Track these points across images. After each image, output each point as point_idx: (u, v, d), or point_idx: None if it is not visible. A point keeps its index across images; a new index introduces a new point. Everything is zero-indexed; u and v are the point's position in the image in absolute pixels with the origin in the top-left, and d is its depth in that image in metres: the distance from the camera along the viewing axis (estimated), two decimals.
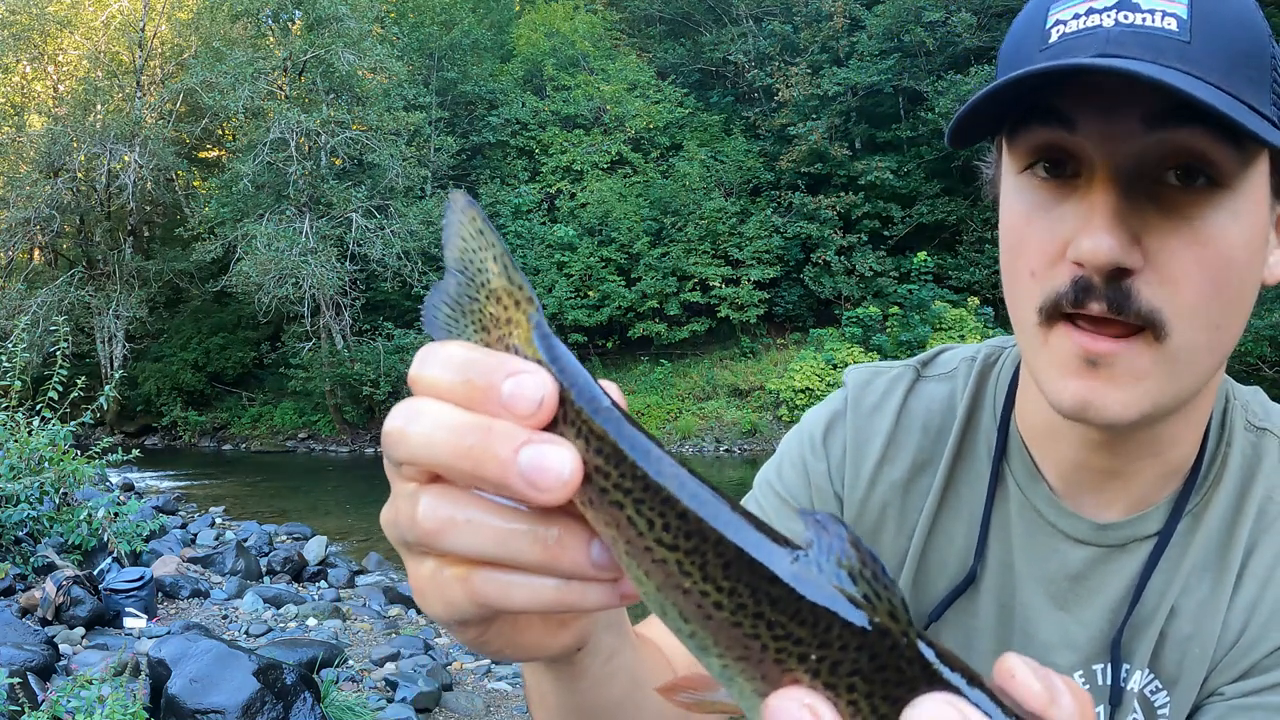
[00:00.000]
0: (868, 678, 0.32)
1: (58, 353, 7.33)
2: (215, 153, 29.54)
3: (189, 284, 26.49)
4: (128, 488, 12.69)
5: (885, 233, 24.77)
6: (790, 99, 25.41)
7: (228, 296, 24.76)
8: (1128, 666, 0.80)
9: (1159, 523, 0.80)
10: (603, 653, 0.57)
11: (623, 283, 24.28)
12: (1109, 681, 0.81)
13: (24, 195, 24.31)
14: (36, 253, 27.70)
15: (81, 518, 6.96)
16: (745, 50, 28.03)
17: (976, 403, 0.89)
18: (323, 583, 8.81)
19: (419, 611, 7.49)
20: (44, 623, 5.90)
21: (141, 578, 6.46)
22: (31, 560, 6.58)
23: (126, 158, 24.28)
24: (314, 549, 9.53)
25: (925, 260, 22.93)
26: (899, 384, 0.92)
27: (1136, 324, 0.66)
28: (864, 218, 24.71)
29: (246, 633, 6.52)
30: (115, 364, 23.00)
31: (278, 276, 22.00)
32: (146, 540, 7.65)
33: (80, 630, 5.90)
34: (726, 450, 21.41)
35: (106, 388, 7.75)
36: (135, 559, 7.26)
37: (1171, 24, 0.63)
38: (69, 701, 3.74)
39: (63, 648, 5.44)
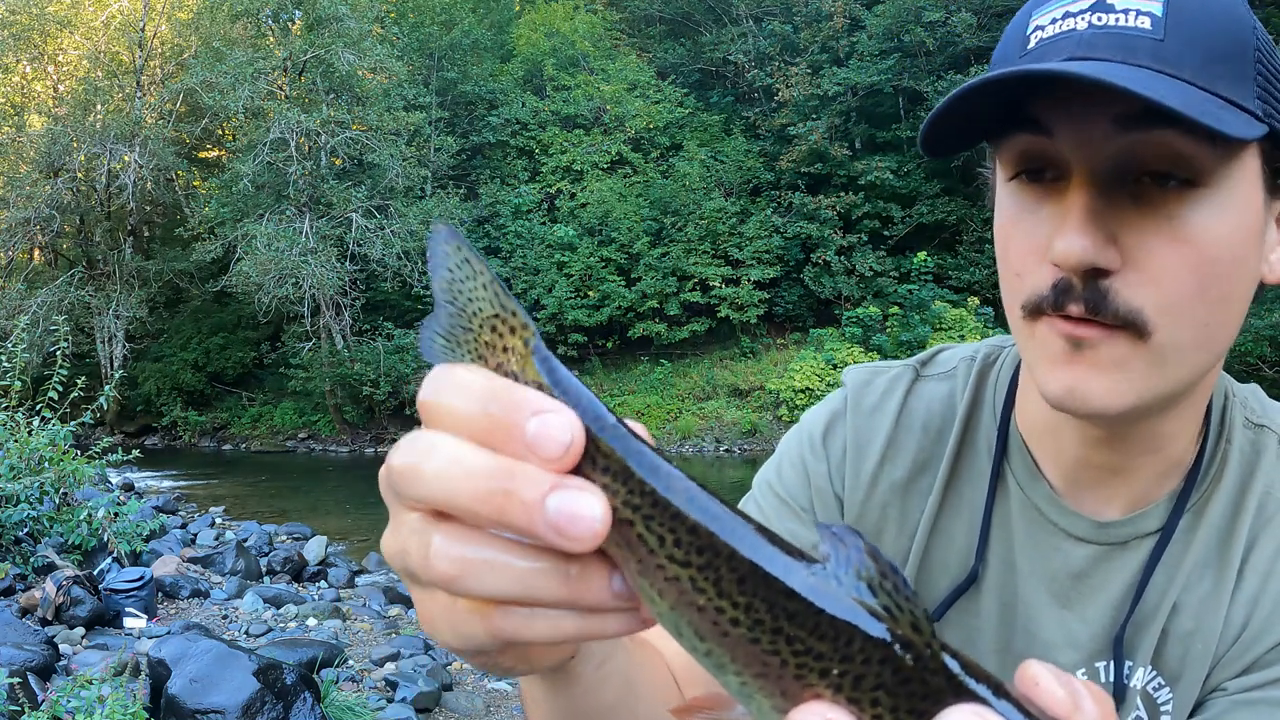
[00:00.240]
0: (892, 691, 0.31)
1: (58, 353, 7.33)
2: (215, 153, 29.54)
3: (189, 284, 26.49)
4: (128, 488, 12.69)
5: (885, 233, 24.78)
6: (790, 99, 25.42)
7: (228, 296, 24.76)
8: (1130, 664, 0.81)
9: (1160, 520, 0.81)
10: (595, 658, 0.56)
11: (623, 283, 24.29)
12: (1111, 679, 0.81)
13: (24, 195, 24.31)
14: (36, 253, 27.70)
15: (81, 518, 6.96)
16: (745, 50, 28.04)
17: (976, 402, 0.89)
18: (323, 583, 8.82)
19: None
20: (44, 623, 5.90)
21: (141, 578, 6.46)
22: (31, 560, 6.58)
23: (126, 158, 24.28)
24: (314, 549, 9.54)
25: (925, 260, 22.94)
26: (898, 384, 0.92)
27: (1115, 324, 0.66)
28: (864, 218, 24.72)
29: (246, 633, 6.52)
30: (115, 364, 23.00)
31: (278, 276, 22.00)
32: (146, 540, 7.65)
33: (80, 630, 5.90)
34: (726, 450, 21.41)
35: (106, 388, 7.75)
36: (135, 559, 7.27)
37: (1145, 23, 0.63)
38: (69, 701, 3.74)
39: (63, 648, 5.44)
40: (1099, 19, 0.64)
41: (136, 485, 13.95)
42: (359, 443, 23.64)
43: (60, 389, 7.14)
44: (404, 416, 23.73)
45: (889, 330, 22.05)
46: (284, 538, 10.53)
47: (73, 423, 7.18)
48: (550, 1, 31.30)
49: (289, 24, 25.42)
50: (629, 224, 24.69)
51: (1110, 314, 0.66)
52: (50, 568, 6.48)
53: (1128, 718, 0.81)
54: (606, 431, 0.34)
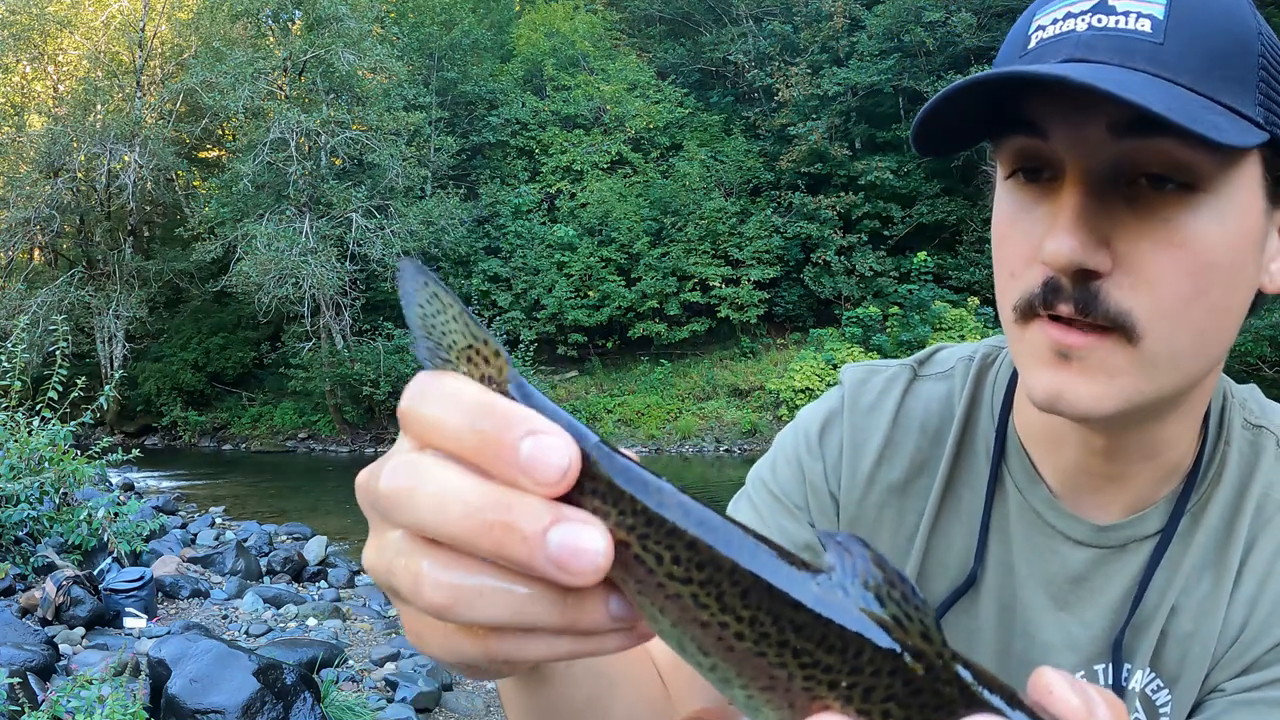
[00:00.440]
0: (903, 703, 0.30)
1: (57, 353, 7.33)
2: (215, 153, 29.54)
3: (189, 284, 26.48)
4: (128, 488, 12.69)
5: (885, 233, 24.78)
6: (790, 99, 25.42)
7: (228, 296, 24.76)
8: (1129, 666, 0.80)
9: (1159, 522, 0.80)
10: None
11: (623, 283, 24.28)
12: (1110, 682, 0.81)
13: (24, 195, 24.29)
14: (36, 253, 27.69)
15: (81, 518, 6.96)
16: (745, 50, 28.04)
17: (974, 403, 0.89)
18: (323, 583, 8.82)
19: None
20: (44, 623, 5.90)
21: (141, 578, 6.46)
22: (31, 560, 6.58)
23: (126, 158, 24.28)
24: (314, 549, 9.54)
25: (925, 260, 22.94)
26: (896, 383, 0.92)
27: (1105, 325, 0.66)
28: (864, 218, 24.72)
29: (246, 633, 6.52)
30: (115, 364, 23.00)
31: (278, 276, 22.00)
32: (146, 540, 7.65)
33: (80, 630, 5.90)
34: (726, 450, 21.41)
35: (106, 388, 7.75)
36: (135, 559, 7.27)
37: (1145, 25, 0.63)
38: (69, 701, 3.75)
39: (63, 648, 5.44)
40: (1099, 20, 0.64)
41: (136, 485, 13.95)
42: (359, 443, 23.64)
43: (60, 389, 7.14)
44: None
45: (889, 330, 22.06)
46: (284, 538, 10.53)
47: (73, 423, 7.18)
48: (550, 1, 31.30)
49: (289, 24, 25.41)
50: (629, 224, 24.69)
51: (1100, 314, 0.65)
52: (50, 568, 6.48)
53: None
54: (593, 451, 0.33)
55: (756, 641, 0.31)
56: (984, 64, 23.67)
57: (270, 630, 6.65)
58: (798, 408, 0.99)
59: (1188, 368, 0.69)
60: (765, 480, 0.94)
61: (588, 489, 0.33)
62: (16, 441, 6.70)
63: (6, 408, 7.00)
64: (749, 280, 24.22)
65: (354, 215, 23.31)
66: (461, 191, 25.88)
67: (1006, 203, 0.72)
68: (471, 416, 0.33)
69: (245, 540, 9.62)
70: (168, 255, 26.50)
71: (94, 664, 4.90)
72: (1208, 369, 0.72)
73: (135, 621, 6.20)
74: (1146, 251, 0.65)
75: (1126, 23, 0.63)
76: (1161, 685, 0.81)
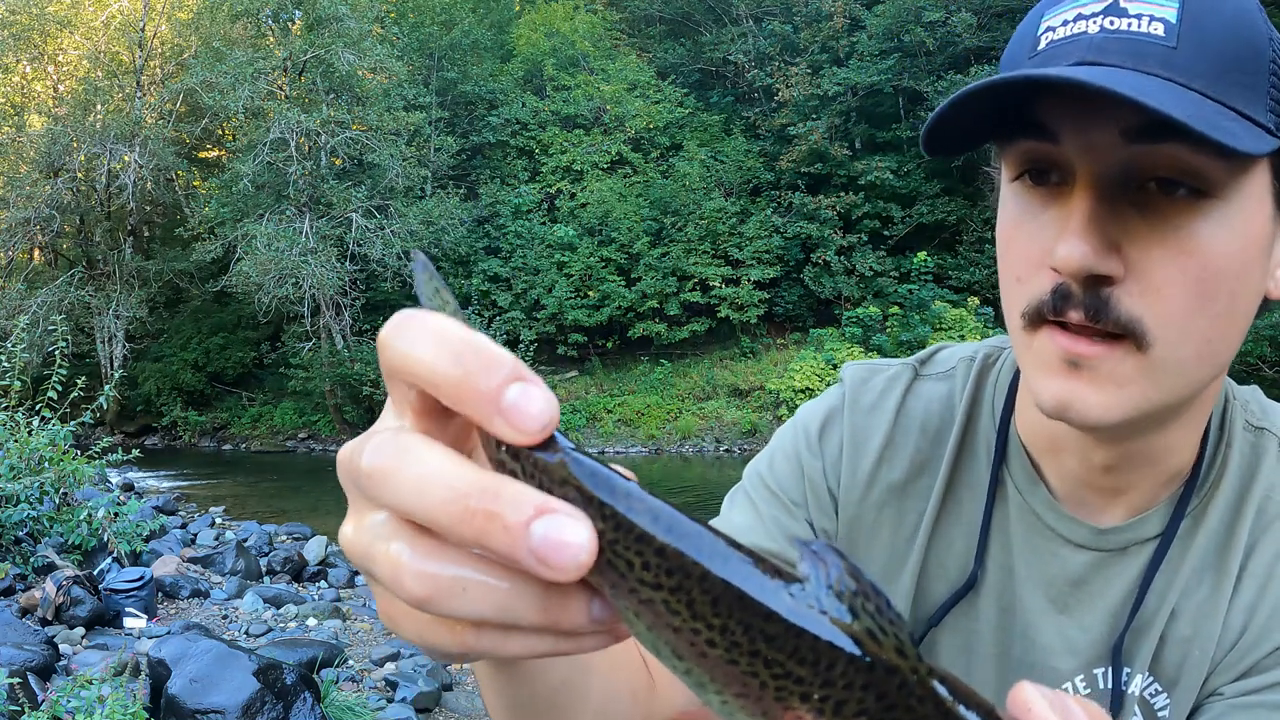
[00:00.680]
0: (876, 718, 0.30)
1: (57, 353, 7.33)
2: (215, 153, 29.54)
3: (189, 284, 26.49)
4: (128, 488, 12.69)
5: (885, 233, 24.78)
6: (790, 99, 25.42)
7: (228, 296, 24.76)
8: (1128, 670, 0.80)
9: (1159, 525, 0.80)
10: None
11: (623, 283, 24.29)
12: (1110, 686, 0.81)
13: (24, 195, 24.30)
14: (36, 253, 27.69)
15: (81, 518, 6.96)
16: (745, 50, 28.04)
17: (975, 404, 0.88)
18: (323, 583, 8.82)
19: None
20: (44, 623, 5.90)
21: (141, 578, 6.46)
22: (31, 560, 6.58)
23: (126, 158, 24.28)
24: (314, 549, 9.53)
25: (925, 260, 22.94)
26: (897, 383, 0.91)
27: (1116, 332, 0.65)
28: (864, 218, 24.72)
29: (246, 633, 6.52)
30: (115, 364, 23.00)
31: (278, 276, 22.00)
32: (146, 540, 7.65)
33: (80, 630, 5.90)
34: (726, 450, 21.41)
35: (106, 388, 7.74)
36: (135, 559, 7.27)
37: (1158, 29, 0.62)
38: (69, 701, 3.75)
39: (63, 648, 5.44)
40: (1111, 23, 0.63)
41: (136, 485, 13.95)
42: None
43: (60, 389, 7.14)
44: None
45: (889, 330, 22.06)
46: (284, 538, 10.53)
47: (73, 423, 7.18)
48: (550, 1, 31.30)
49: (289, 24, 25.42)
50: (629, 224, 24.69)
51: (1111, 321, 0.65)
52: (50, 568, 6.48)
53: None
54: (562, 454, 0.33)
55: (728, 650, 0.31)
56: (984, 64, 23.68)
57: (270, 630, 6.65)
58: (797, 408, 0.99)
59: (1194, 375, 0.69)
60: (763, 476, 0.93)
61: (558, 493, 0.32)
62: (16, 441, 6.70)
63: (6, 408, 7.00)
64: (749, 280, 24.22)
65: (354, 215, 23.31)
66: (461, 191, 25.88)
67: (1013, 205, 0.71)
68: (455, 353, 0.32)
69: (245, 540, 9.61)
70: (168, 255, 26.50)
71: (94, 664, 4.90)
72: (1214, 376, 0.72)
73: (135, 621, 6.20)
74: (1157, 258, 0.64)
75: (1139, 26, 0.63)
76: (1160, 689, 0.80)
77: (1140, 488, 0.79)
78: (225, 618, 6.89)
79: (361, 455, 0.33)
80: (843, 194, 24.65)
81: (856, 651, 0.30)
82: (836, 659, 0.30)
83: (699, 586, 0.31)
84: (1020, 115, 0.67)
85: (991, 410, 0.88)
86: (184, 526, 10.61)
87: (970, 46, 24.24)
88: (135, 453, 7.88)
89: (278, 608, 7.28)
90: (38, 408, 7.05)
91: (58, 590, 6.01)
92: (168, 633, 5.90)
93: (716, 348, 24.71)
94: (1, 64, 26.42)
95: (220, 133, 28.81)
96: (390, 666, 5.89)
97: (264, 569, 8.88)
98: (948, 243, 24.61)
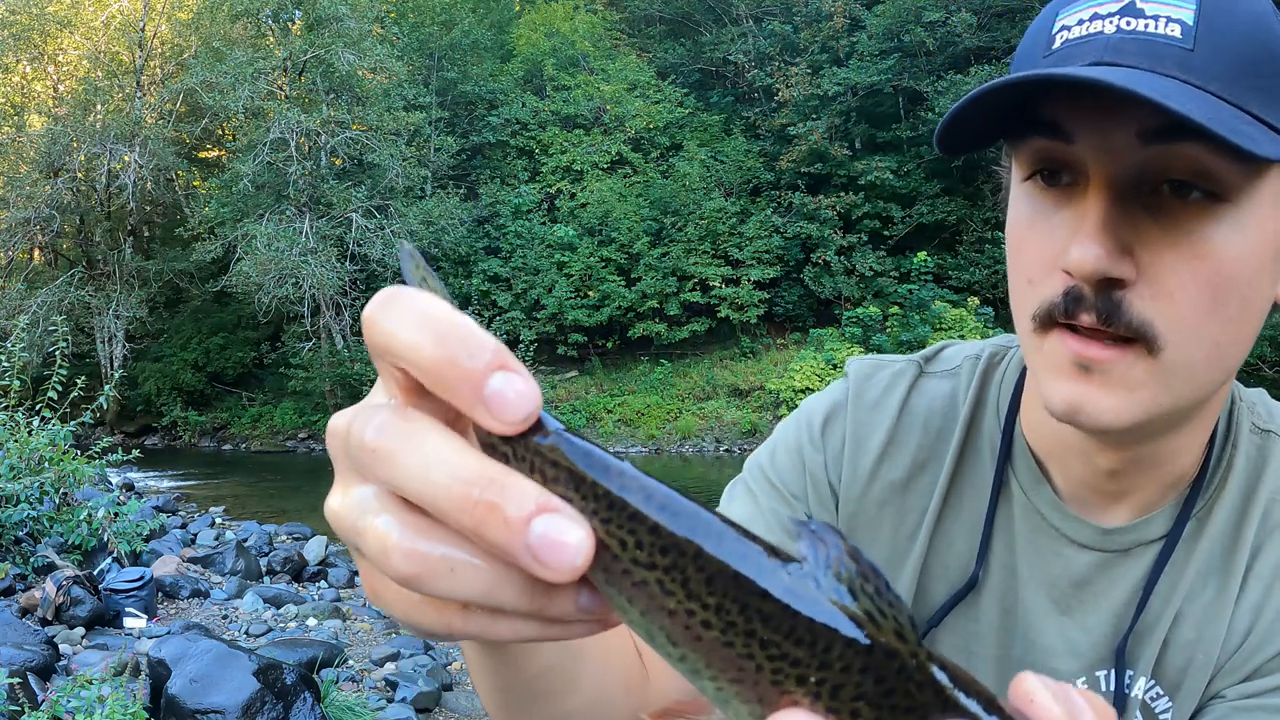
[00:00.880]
0: (874, 703, 0.29)
1: (57, 353, 7.33)
2: (215, 153, 29.55)
3: (189, 284, 26.51)
4: (128, 488, 12.68)
5: (885, 233, 24.79)
6: (790, 99, 25.43)
7: (228, 296, 24.78)
8: (1131, 673, 0.80)
9: (1164, 527, 0.80)
10: None
11: (623, 283, 24.29)
12: (1112, 689, 0.80)
13: (24, 195, 24.32)
14: (36, 253, 27.71)
15: (81, 518, 6.96)
16: (745, 50, 28.05)
17: (980, 403, 0.88)
18: (323, 583, 8.81)
19: None
20: (44, 623, 5.89)
21: (141, 578, 6.46)
22: (31, 560, 6.58)
23: (126, 158, 24.29)
24: (314, 549, 9.53)
25: (925, 260, 22.94)
26: (901, 379, 0.91)
27: (1127, 336, 0.65)
28: (864, 218, 24.73)
29: (246, 633, 6.52)
30: (115, 364, 23.01)
31: (278, 276, 22.02)
32: (146, 540, 7.65)
33: (80, 630, 5.90)
34: (726, 450, 21.41)
35: (106, 388, 7.74)
36: (135, 559, 7.26)
37: (1175, 30, 0.62)
38: (69, 701, 3.74)
39: (63, 648, 5.44)
40: (1128, 24, 0.63)
41: (136, 485, 13.95)
42: None
43: (60, 389, 7.14)
44: None
45: (889, 330, 22.06)
46: (284, 538, 10.52)
47: (73, 423, 7.18)
48: (550, 1, 31.30)
49: (289, 24, 25.44)
50: (629, 224, 24.70)
51: (1123, 325, 0.64)
52: (50, 568, 6.48)
53: None
54: (551, 436, 0.32)
55: (723, 631, 0.30)
56: (984, 64, 23.69)
57: (270, 630, 6.65)
58: (797, 407, 0.98)
59: (1204, 379, 0.69)
60: (763, 467, 0.93)
61: (549, 476, 0.32)
62: (16, 441, 6.69)
63: (6, 408, 7.00)
64: (749, 280, 24.23)
65: (354, 215, 23.32)
66: (461, 191, 25.89)
67: (1024, 206, 0.71)
68: (438, 335, 0.31)
69: (245, 540, 9.61)
70: (168, 255, 26.52)
71: (94, 664, 4.90)
72: (1223, 380, 0.71)
73: (135, 621, 6.20)
74: (1169, 262, 0.64)
75: (1156, 27, 0.62)
76: (1162, 693, 0.80)
77: (1145, 490, 0.79)
78: (225, 618, 6.89)
79: (365, 430, 0.33)
80: (843, 194, 24.66)
81: (855, 633, 0.29)
82: (834, 641, 0.29)
83: (693, 565, 0.30)
84: (1033, 114, 0.66)
85: (996, 409, 0.87)
86: (184, 526, 10.61)
87: (970, 46, 24.24)
88: (135, 453, 7.88)
89: (278, 608, 7.28)
90: (38, 408, 7.05)
91: (58, 590, 6.01)
92: (168, 633, 5.90)
93: (716, 348, 24.72)
94: (1, 64, 26.43)
95: (220, 133, 28.82)
96: (390, 666, 5.88)
97: (264, 569, 8.87)
98: (948, 243, 24.62)
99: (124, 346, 24.96)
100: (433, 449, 0.31)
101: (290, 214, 23.24)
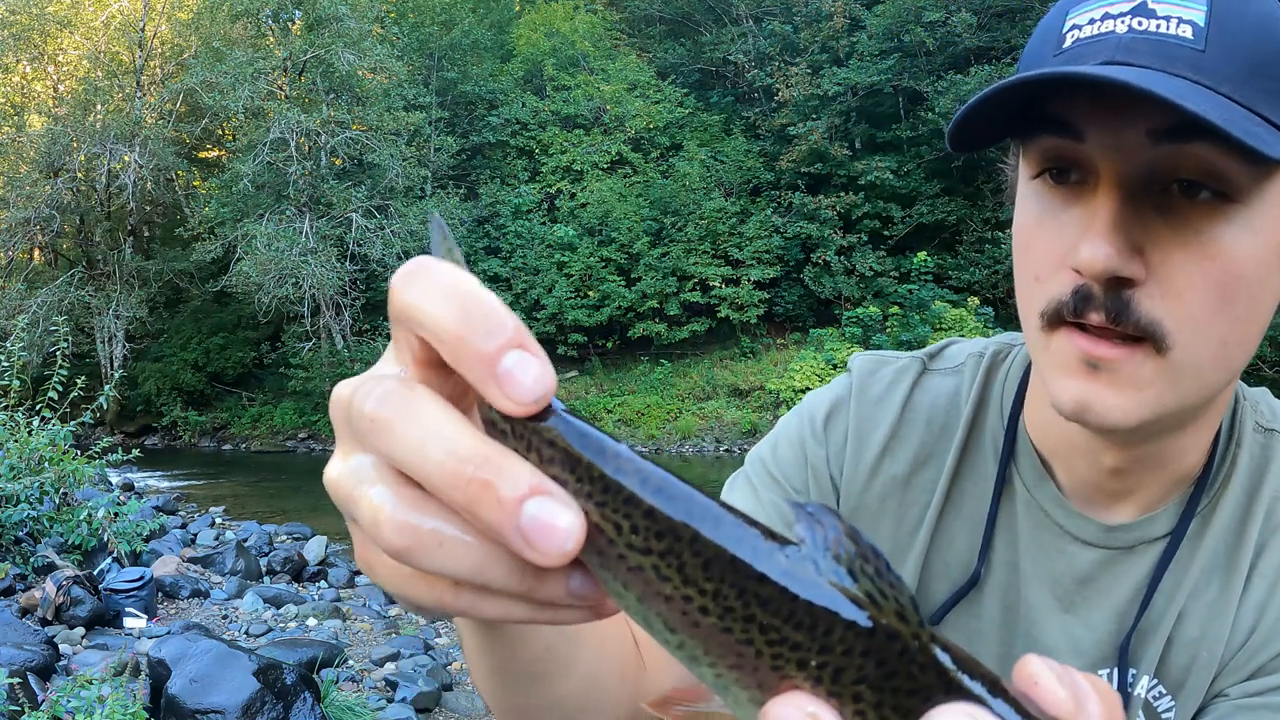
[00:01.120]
0: (876, 686, 0.29)
1: (57, 353, 7.33)
2: (215, 153, 29.55)
3: (189, 284, 26.50)
4: (128, 488, 12.68)
5: (885, 233, 24.79)
6: (790, 99, 25.43)
7: (228, 296, 24.78)
8: (1134, 672, 0.80)
9: (1168, 525, 0.80)
10: None
11: (623, 283, 24.30)
12: (1115, 687, 0.80)
13: (24, 195, 24.31)
14: (36, 253, 27.70)
15: (81, 518, 6.95)
16: (745, 50, 28.05)
17: (983, 400, 0.88)
18: (323, 583, 8.81)
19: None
20: (44, 623, 5.89)
21: (141, 578, 6.45)
22: (31, 560, 6.58)
23: (126, 158, 24.29)
24: (314, 549, 9.53)
25: (925, 260, 22.94)
26: (905, 375, 0.91)
27: (1136, 335, 0.65)
28: (864, 218, 24.73)
29: (246, 633, 6.52)
30: (115, 364, 23.00)
31: (278, 276, 22.02)
32: (146, 540, 7.64)
33: (80, 630, 5.90)
34: (726, 450, 21.41)
35: (106, 388, 7.74)
36: (135, 559, 7.26)
37: (1186, 31, 0.62)
38: (69, 701, 3.74)
39: (63, 648, 5.43)
40: (1139, 23, 0.63)
41: (136, 485, 13.94)
42: None
43: (60, 389, 7.14)
44: None
45: (889, 330, 22.06)
46: (284, 538, 10.52)
47: (73, 423, 7.18)
48: (550, 1, 31.31)
49: (289, 24, 25.45)
50: (629, 224, 24.71)
51: (1132, 324, 0.65)
52: (50, 568, 6.48)
53: None
54: (549, 416, 0.32)
55: (721, 616, 0.30)
56: (984, 64, 23.69)
57: (270, 630, 6.64)
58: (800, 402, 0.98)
59: (1212, 378, 0.69)
60: (765, 460, 0.93)
61: (545, 456, 0.32)
62: (16, 441, 6.69)
63: (6, 408, 7.00)
64: (749, 280, 24.23)
65: (354, 215, 23.33)
66: (461, 191, 25.90)
67: (1033, 204, 0.71)
68: (461, 308, 0.32)
69: (245, 540, 9.61)
70: (168, 255, 26.52)
71: (94, 664, 4.89)
72: (1229, 379, 0.72)
73: (135, 621, 6.20)
74: (1178, 262, 0.64)
75: (1167, 27, 0.62)
76: (1165, 692, 0.80)
77: (1150, 488, 0.79)
78: (225, 618, 6.88)
79: (366, 399, 0.33)
80: (843, 194, 24.67)
81: (856, 615, 0.29)
82: (834, 623, 0.29)
83: (689, 549, 0.30)
84: (1044, 112, 0.66)
85: (1000, 407, 0.87)
86: (184, 526, 10.60)
87: (970, 46, 24.24)
88: (135, 453, 7.88)
89: (278, 608, 7.28)
90: (38, 408, 7.05)
91: (58, 590, 6.01)
92: (168, 633, 5.90)
93: (716, 348, 24.72)
94: (1, 64, 26.43)
95: (220, 133, 28.82)
96: (390, 666, 5.88)
97: (264, 569, 8.87)
98: (948, 243, 24.61)
99: (124, 346, 24.96)
100: (431, 422, 0.32)
101: (290, 214, 23.24)
